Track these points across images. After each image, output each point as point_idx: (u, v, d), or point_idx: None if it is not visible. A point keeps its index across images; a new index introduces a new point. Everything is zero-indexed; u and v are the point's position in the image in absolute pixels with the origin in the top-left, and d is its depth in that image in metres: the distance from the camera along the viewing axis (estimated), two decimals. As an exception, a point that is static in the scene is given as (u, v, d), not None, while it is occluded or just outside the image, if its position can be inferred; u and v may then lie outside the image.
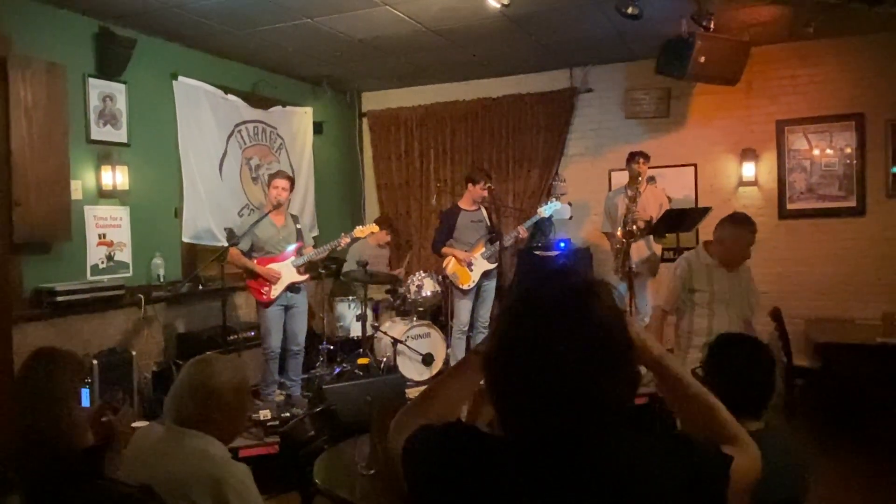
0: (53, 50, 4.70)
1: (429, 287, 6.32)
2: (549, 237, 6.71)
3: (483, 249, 5.86)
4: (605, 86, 6.94)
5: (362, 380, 4.70)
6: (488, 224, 5.95)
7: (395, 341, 5.88)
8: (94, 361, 4.60)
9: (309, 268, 5.54)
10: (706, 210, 5.32)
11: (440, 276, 6.30)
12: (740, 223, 3.76)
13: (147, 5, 4.84)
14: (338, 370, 5.88)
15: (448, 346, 6.16)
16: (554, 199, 6.16)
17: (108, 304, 4.99)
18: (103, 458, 1.80)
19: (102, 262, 5.10)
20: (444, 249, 5.89)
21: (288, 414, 4.58)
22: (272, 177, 5.38)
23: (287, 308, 5.32)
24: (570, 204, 6.75)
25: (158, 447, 1.97)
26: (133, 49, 5.18)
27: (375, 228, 6.01)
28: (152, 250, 5.46)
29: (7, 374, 4.00)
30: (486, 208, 5.97)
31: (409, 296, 6.31)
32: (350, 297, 6.52)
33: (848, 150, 6.14)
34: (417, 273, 6.48)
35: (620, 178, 6.36)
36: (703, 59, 5.21)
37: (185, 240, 5.78)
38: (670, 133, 6.69)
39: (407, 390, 4.82)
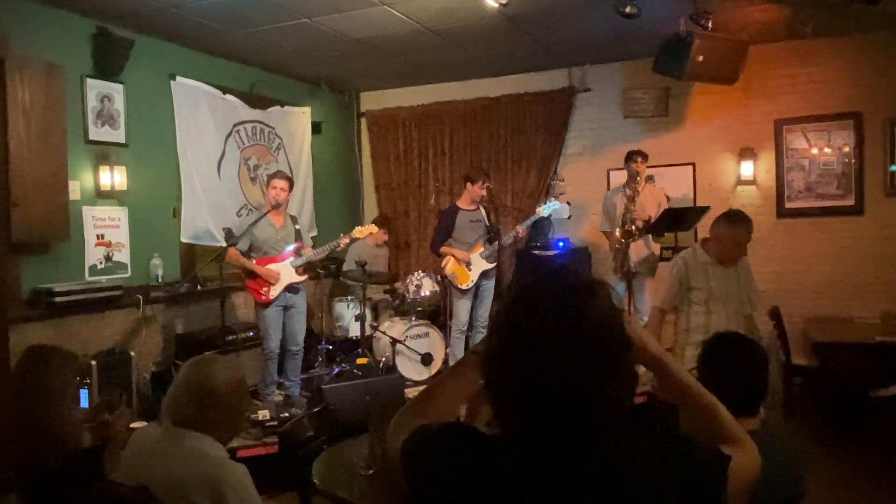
0: (51, 50, 4.69)
1: (427, 287, 6.33)
2: (547, 237, 6.71)
3: (481, 249, 5.85)
4: (603, 85, 6.94)
5: (361, 380, 4.70)
6: (487, 224, 5.95)
7: (394, 341, 5.88)
8: (93, 362, 4.58)
9: (308, 268, 5.54)
10: (704, 209, 5.32)
11: (439, 276, 6.30)
12: (736, 220, 3.77)
13: (145, 5, 4.83)
14: (337, 370, 5.88)
15: (447, 346, 6.16)
16: (552, 199, 6.16)
17: (107, 304, 4.99)
18: (102, 459, 1.80)
19: (101, 263, 5.10)
20: (443, 249, 5.89)
21: (287, 414, 4.59)
22: (271, 177, 5.38)
23: (286, 308, 5.31)
24: (568, 203, 6.75)
25: (156, 448, 1.96)
26: (131, 49, 5.17)
27: (375, 229, 6.01)
28: (151, 251, 5.46)
29: (4, 375, 3.99)
30: (484, 208, 5.96)
31: (407, 296, 6.31)
32: (349, 297, 6.52)
33: (846, 149, 6.14)
34: (416, 273, 6.48)
35: (619, 178, 6.36)
36: (701, 59, 5.20)
37: (183, 240, 5.77)
38: (669, 132, 6.69)
39: (406, 390, 4.81)
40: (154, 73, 5.56)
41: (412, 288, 6.32)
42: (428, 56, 6.43)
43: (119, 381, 4.76)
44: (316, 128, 7.36)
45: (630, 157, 5.78)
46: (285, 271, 5.24)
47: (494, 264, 5.88)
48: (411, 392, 4.96)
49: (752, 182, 6.43)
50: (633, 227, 5.65)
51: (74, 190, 4.86)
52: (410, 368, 5.98)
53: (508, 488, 1.06)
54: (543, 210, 5.94)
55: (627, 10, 4.63)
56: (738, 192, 6.50)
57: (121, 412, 2.32)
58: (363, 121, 8.09)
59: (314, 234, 6.89)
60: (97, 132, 5.07)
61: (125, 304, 5.14)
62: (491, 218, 5.98)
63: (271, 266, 5.20)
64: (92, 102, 5.03)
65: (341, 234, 5.48)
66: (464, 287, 5.84)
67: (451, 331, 6.04)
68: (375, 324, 6.30)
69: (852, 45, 6.02)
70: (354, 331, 6.23)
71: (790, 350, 5.27)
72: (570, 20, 5.45)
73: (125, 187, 5.19)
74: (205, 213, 5.90)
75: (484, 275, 5.88)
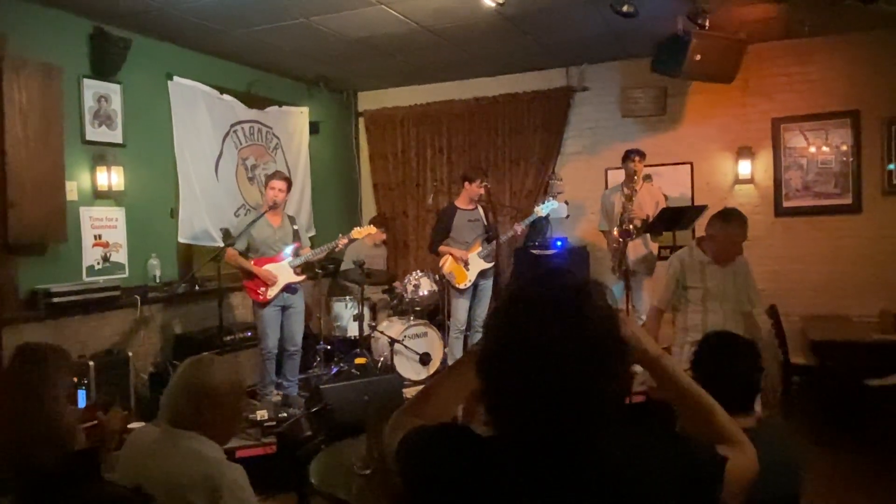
0: (48, 51, 4.68)
1: (426, 286, 6.33)
2: (545, 236, 6.71)
3: (479, 248, 5.85)
4: (601, 84, 6.94)
5: (359, 380, 4.69)
6: (485, 223, 5.95)
7: (393, 341, 5.88)
8: (91, 363, 4.57)
9: (306, 268, 5.54)
10: (702, 208, 5.32)
11: (437, 276, 6.30)
12: (730, 219, 3.77)
13: (142, 5, 4.82)
14: (335, 370, 5.89)
15: (445, 346, 6.16)
16: (551, 198, 6.15)
17: (105, 305, 4.98)
18: (98, 459, 1.79)
19: (98, 263, 5.09)
20: (441, 248, 5.89)
21: (285, 414, 4.58)
22: (269, 178, 5.38)
23: (284, 308, 5.31)
24: (566, 203, 6.75)
25: (154, 448, 1.97)
26: (128, 49, 5.16)
27: (373, 230, 6.01)
28: (148, 251, 5.45)
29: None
30: (482, 207, 5.96)
31: (406, 295, 6.31)
32: (347, 297, 6.52)
33: (844, 148, 6.15)
34: (414, 272, 6.48)
35: (617, 177, 6.36)
36: (698, 58, 5.20)
37: (181, 240, 5.76)
38: (666, 131, 6.70)
39: (404, 390, 4.81)
40: (151, 73, 5.55)
41: (410, 288, 6.32)
42: (426, 56, 6.43)
43: (117, 382, 4.75)
44: (314, 128, 7.35)
45: (628, 156, 5.78)
46: (283, 272, 5.23)
47: (492, 264, 5.89)
48: (410, 392, 4.96)
49: (750, 181, 6.44)
50: (631, 227, 5.65)
51: (72, 190, 4.85)
52: (409, 368, 5.97)
53: (504, 489, 1.06)
54: (542, 209, 5.94)
55: (625, 9, 4.63)
56: (736, 191, 6.50)
57: (114, 411, 2.31)
58: (361, 120, 8.08)
59: (312, 234, 6.89)
60: (94, 132, 5.06)
61: (123, 305, 5.14)
62: (489, 217, 5.98)
63: (269, 266, 5.20)
64: (89, 103, 5.02)
65: (340, 235, 5.48)
66: (461, 286, 5.84)
67: (450, 330, 6.05)
68: (374, 324, 6.30)
69: (850, 44, 6.03)
70: (353, 331, 6.23)
71: (788, 349, 5.28)
72: (568, 19, 5.45)
73: (122, 188, 5.18)
74: (202, 214, 5.89)
75: (482, 274, 5.88)
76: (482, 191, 5.79)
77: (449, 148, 7.55)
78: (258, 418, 4.46)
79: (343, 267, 6.61)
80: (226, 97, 6.25)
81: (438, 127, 7.58)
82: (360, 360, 5.71)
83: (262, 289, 5.17)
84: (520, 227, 5.97)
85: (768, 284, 5.83)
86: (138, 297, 5.23)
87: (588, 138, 7.06)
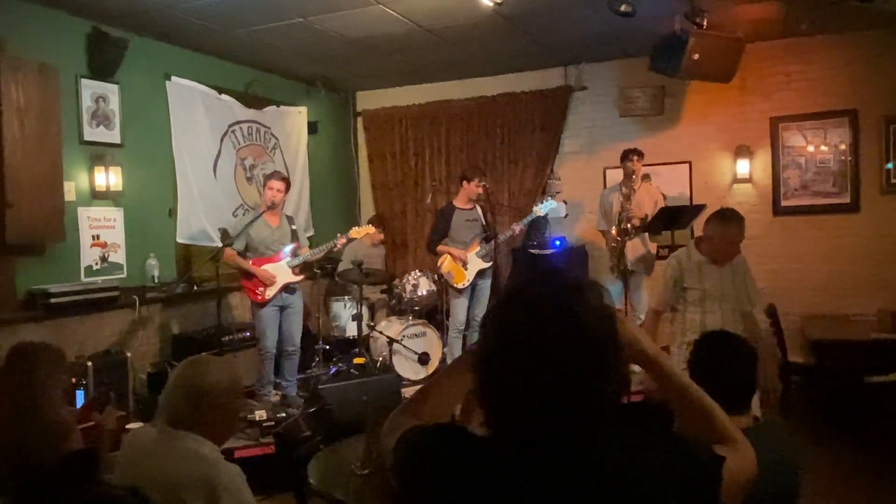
0: (45, 51, 4.68)
1: (424, 286, 6.32)
2: (544, 235, 6.72)
3: (478, 248, 5.85)
4: (599, 84, 6.94)
5: (358, 379, 4.69)
6: (483, 223, 5.95)
7: (391, 341, 5.87)
8: (89, 363, 4.58)
9: (304, 268, 5.53)
10: (701, 207, 5.32)
11: (436, 276, 6.30)
12: (727, 219, 3.76)
13: (140, 5, 4.82)
14: (333, 370, 5.88)
15: (444, 346, 6.15)
16: (549, 198, 6.15)
17: (103, 305, 4.98)
18: (94, 460, 1.79)
19: (96, 264, 5.08)
20: (440, 248, 5.89)
21: (283, 414, 4.59)
22: (267, 178, 5.37)
23: (282, 308, 5.31)
24: (565, 202, 6.76)
25: (151, 448, 1.97)
26: (126, 49, 5.16)
27: (371, 229, 6.00)
28: (146, 251, 5.45)
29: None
30: (481, 207, 5.96)
31: (404, 295, 6.31)
32: (346, 297, 6.51)
33: (842, 147, 6.15)
34: (413, 272, 6.47)
35: (615, 176, 6.36)
36: (696, 57, 5.20)
37: (179, 240, 5.76)
38: (665, 130, 6.70)
39: (403, 390, 4.81)
40: (149, 73, 5.55)
41: (409, 287, 6.31)
42: (424, 55, 6.42)
43: (115, 383, 4.74)
44: (312, 127, 7.35)
45: (626, 155, 5.78)
46: (281, 272, 5.23)
47: (490, 263, 5.89)
48: (408, 391, 4.96)
49: (749, 180, 6.44)
50: (630, 226, 5.65)
51: (70, 191, 4.84)
52: (407, 368, 5.97)
53: (502, 489, 1.06)
54: (540, 209, 5.94)
55: (623, 8, 4.63)
56: (735, 191, 6.50)
57: (110, 410, 2.31)
58: (359, 120, 8.08)
59: (311, 234, 6.88)
60: (92, 133, 5.06)
61: (121, 305, 5.13)
62: (487, 217, 5.98)
63: (267, 266, 5.20)
64: (87, 103, 5.02)
65: (338, 235, 5.47)
66: (460, 286, 5.83)
67: (449, 330, 6.04)
68: (372, 323, 6.30)
69: (848, 43, 6.03)
70: (351, 330, 6.23)
71: (787, 348, 5.28)
72: (566, 19, 5.45)
73: (120, 188, 5.18)
74: (201, 214, 5.89)
75: (480, 274, 5.88)
76: (480, 190, 5.78)
77: (447, 147, 7.55)
78: (257, 418, 4.47)
79: (341, 267, 6.60)
80: (224, 97, 6.24)
81: (437, 127, 7.57)
82: (358, 360, 5.70)
83: (261, 289, 5.16)
84: (518, 227, 5.97)
85: (767, 284, 5.81)
86: (136, 298, 5.23)
87: (586, 138, 7.06)
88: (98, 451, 1.89)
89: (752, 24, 5.57)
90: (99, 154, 5.08)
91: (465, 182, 5.87)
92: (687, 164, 6.66)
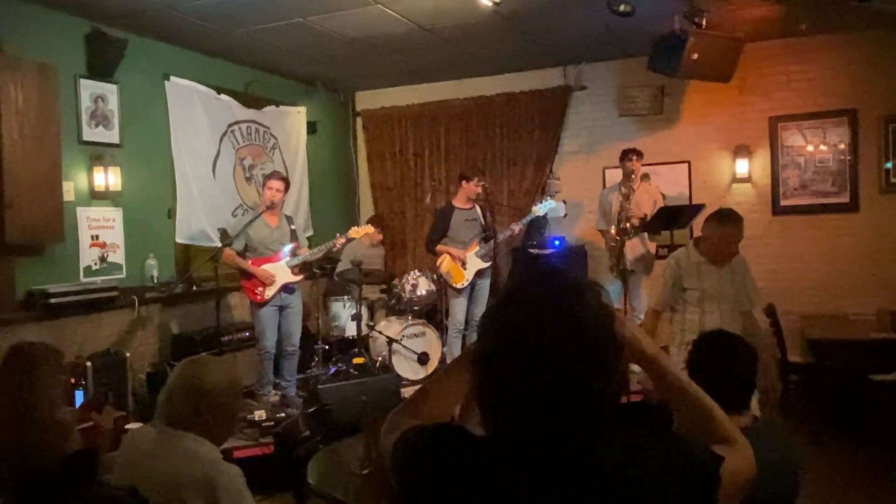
0: (44, 51, 4.67)
1: (424, 286, 6.32)
2: (543, 235, 6.72)
3: (477, 248, 5.85)
4: (598, 83, 6.94)
5: (357, 379, 4.69)
6: (482, 223, 5.95)
7: (391, 340, 5.87)
8: (88, 363, 4.57)
9: (303, 268, 5.53)
10: (700, 207, 5.32)
11: (435, 275, 6.30)
12: (725, 220, 3.76)
13: (139, 5, 4.82)
14: (333, 370, 5.87)
15: (443, 346, 6.15)
16: (548, 198, 6.16)
17: (102, 305, 4.98)
18: (93, 461, 1.79)
19: (95, 264, 5.08)
20: (439, 248, 5.89)
21: (283, 414, 4.59)
22: (267, 178, 5.38)
23: (281, 308, 5.31)
24: (564, 202, 6.76)
25: (151, 449, 1.96)
26: (125, 49, 5.16)
27: (371, 229, 6.00)
28: (146, 251, 5.44)
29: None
30: (480, 206, 5.96)
31: (403, 295, 6.30)
32: (345, 297, 6.51)
33: (841, 146, 6.15)
34: (412, 272, 6.47)
35: (614, 176, 6.36)
36: (695, 56, 5.20)
37: (178, 240, 5.76)
38: (664, 130, 6.70)
39: (402, 390, 4.81)
40: (148, 73, 5.54)
41: (408, 287, 6.31)
42: (423, 55, 6.42)
43: (114, 383, 4.74)
44: (311, 127, 7.35)
45: (625, 155, 5.78)
46: (281, 271, 5.23)
47: (490, 263, 5.89)
48: (407, 391, 4.96)
49: (748, 180, 6.45)
50: (629, 226, 5.65)
51: (68, 191, 4.84)
52: (407, 368, 5.97)
53: (501, 490, 1.05)
54: (539, 209, 5.95)
55: (622, 8, 4.63)
56: (734, 190, 6.51)
57: (107, 411, 2.31)
58: (359, 120, 8.08)
59: (310, 234, 6.88)
60: (91, 133, 5.06)
61: (120, 305, 5.13)
62: (486, 217, 5.98)
63: (267, 266, 5.20)
64: (86, 103, 5.02)
65: (337, 235, 5.47)
66: (459, 286, 5.83)
67: (448, 330, 6.04)
68: (372, 323, 6.29)
69: (847, 42, 6.03)
70: (351, 330, 6.22)
71: (786, 348, 5.28)
72: (565, 18, 5.45)
73: (119, 188, 5.18)
74: (200, 214, 5.88)
75: (479, 274, 5.88)
76: (480, 190, 5.79)
77: (446, 147, 7.55)
78: (256, 418, 4.46)
79: (341, 267, 6.60)
80: (223, 97, 6.24)
81: (436, 126, 7.57)
82: (358, 360, 5.70)
83: (260, 289, 5.16)
84: (517, 227, 5.98)
85: (766, 283, 5.81)
86: (136, 298, 5.23)
87: (585, 137, 7.06)
88: (97, 451, 1.89)
89: (751, 23, 5.57)
90: (98, 154, 5.08)
91: (464, 182, 5.87)
92: (686, 164, 6.66)
